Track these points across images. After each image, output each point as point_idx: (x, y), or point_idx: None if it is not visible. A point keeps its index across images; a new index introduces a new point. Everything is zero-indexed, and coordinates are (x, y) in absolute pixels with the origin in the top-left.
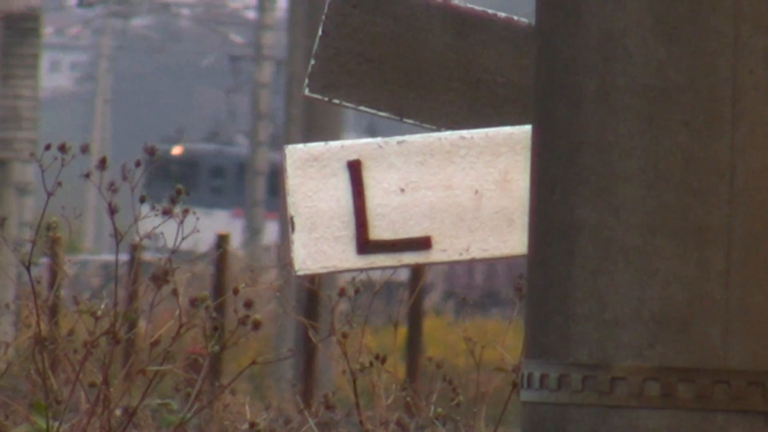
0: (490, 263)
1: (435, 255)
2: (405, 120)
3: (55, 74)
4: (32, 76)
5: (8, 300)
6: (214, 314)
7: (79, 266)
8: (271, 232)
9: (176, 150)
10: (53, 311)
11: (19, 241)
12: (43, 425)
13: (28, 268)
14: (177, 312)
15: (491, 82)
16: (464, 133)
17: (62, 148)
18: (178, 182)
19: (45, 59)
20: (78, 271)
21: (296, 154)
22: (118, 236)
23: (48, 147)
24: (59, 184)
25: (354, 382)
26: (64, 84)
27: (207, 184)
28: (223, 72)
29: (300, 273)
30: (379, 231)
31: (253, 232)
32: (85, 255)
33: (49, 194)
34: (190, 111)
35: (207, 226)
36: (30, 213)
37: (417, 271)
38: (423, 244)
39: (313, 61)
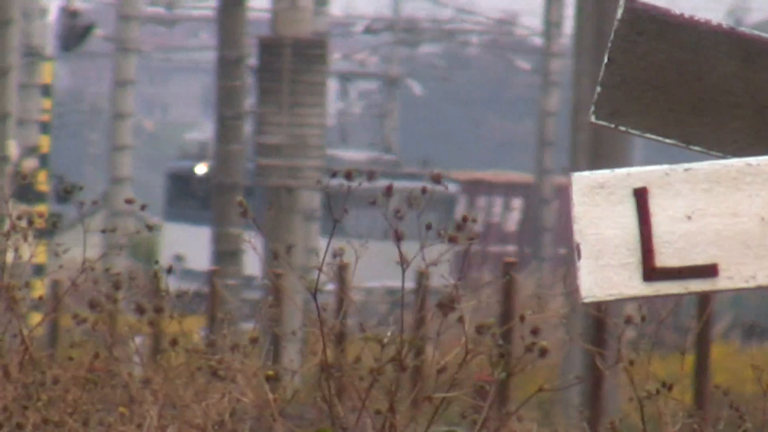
0: None
1: (721, 282)
2: (691, 147)
3: (343, 101)
4: (319, 104)
5: (295, 327)
6: (501, 341)
7: (366, 293)
8: None
9: (200, 168)
10: (340, 338)
11: (306, 268)
12: None
13: (314, 295)
14: (463, 339)
15: None
16: (751, 160)
17: (348, 176)
18: (201, 201)
19: (332, 86)
20: (365, 297)
21: (582, 181)
22: (404, 263)
23: (334, 174)
24: (346, 210)
25: (641, 409)
26: (352, 111)
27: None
28: (511, 99)
29: (586, 300)
30: (665, 258)
31: (538, 259)
32: (371, 282)
33: (336, 221)
34: (478, 138)
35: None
36: (317, 240)
37: (704, 298)
38: (709, 271)
39: (599, 89)
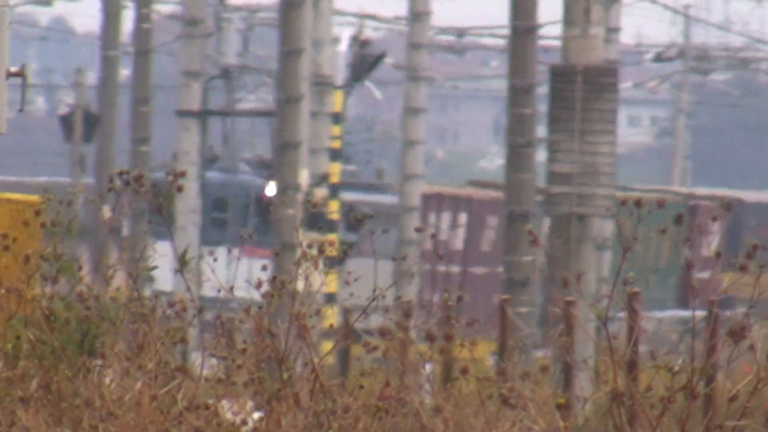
0: None
1: None
2: None
3: (633, 129)
4: (610, 132)
5: (586, 355)
6: None
7: (657, 322)
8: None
9: (270, 189)
10: (631, 366)
11: (597, 297)
12: None
13: (605, 324)
14: (755, 367)
15: None
16: None
17: (638, 204)
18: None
19: (623, 114)
20: (656, 326)
21: None
22: (694, 291)
23: (624, 203)
24: (635, 239)
25: None
26: (643, 139)
27: (210, 217)
28: None
29: None
30: None
31: None
32: (666, 311)
33: (626, 249)
34: None
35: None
36: (608, 268)
37: None
38: None
39: None
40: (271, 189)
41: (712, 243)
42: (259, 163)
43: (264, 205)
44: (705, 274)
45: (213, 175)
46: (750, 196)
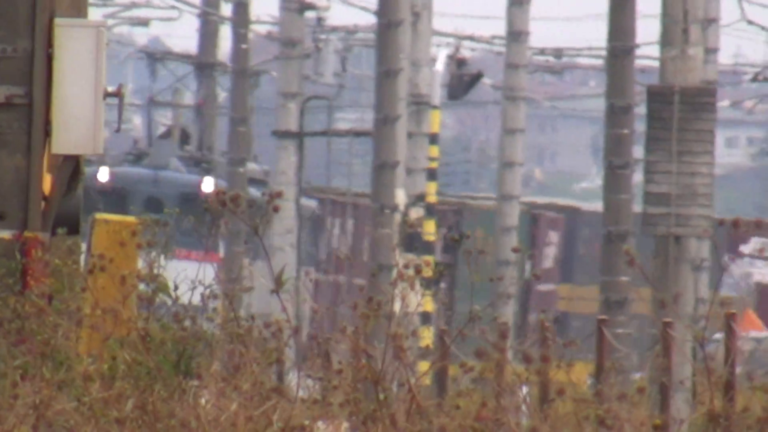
0: None
1: None
2: None
3: (731, 150)
4: (708, 152)
5: (683, 377)
6: None
7: (755, 342)
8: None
9: (102, 174)
10: (728, 388)
11: (694, 318)
12: None
13: (701, 345)
14: None
15: None
16: None
17: (735, 225)
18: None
19: (720, 135)
20: (753, 347)
21: None
22: None
23: (722, 223)
24: (733, 260)
25: None
26: (741, 160)
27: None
28: None
29: None
30: None
31: None
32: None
33: (723, 269)
34: None
35: None
36: (705, 289)
37: None
38: None
39: None
40: (207, 184)
41: (550, 255)
42: (191, 160)
43: (199, 203)
44: (546, 287)
45: (143, 171)
46: (586, 206)
